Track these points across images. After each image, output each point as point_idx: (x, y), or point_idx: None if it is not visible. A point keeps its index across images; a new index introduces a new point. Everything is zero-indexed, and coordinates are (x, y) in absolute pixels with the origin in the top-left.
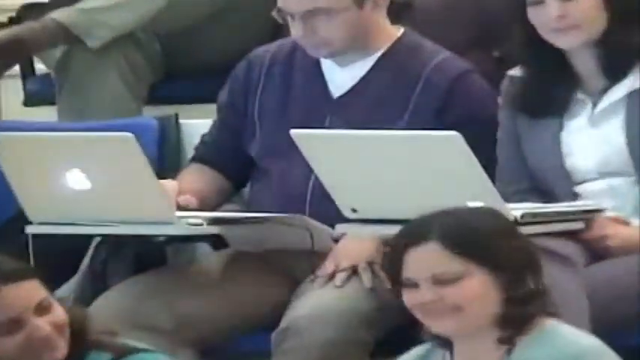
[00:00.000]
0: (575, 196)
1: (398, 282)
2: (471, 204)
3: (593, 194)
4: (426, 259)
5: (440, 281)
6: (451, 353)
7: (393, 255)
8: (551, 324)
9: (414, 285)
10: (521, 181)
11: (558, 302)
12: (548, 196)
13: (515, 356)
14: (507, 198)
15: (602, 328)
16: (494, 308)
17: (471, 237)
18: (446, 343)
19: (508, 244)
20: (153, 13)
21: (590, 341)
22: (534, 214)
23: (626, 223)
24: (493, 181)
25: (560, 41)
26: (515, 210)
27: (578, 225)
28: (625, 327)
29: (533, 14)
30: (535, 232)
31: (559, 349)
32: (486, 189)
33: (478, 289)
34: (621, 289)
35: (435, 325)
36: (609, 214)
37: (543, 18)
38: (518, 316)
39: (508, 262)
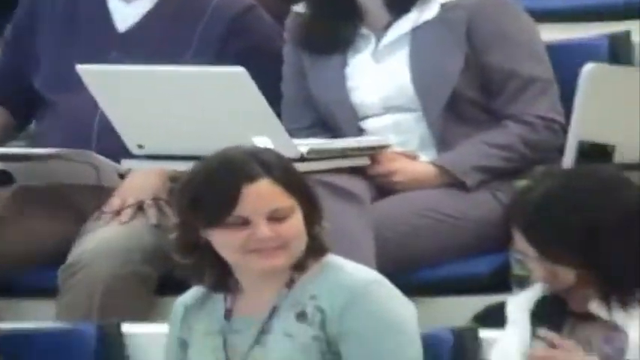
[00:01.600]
0: (360, 132)
1: (216, 221)
2: (257, 139)
3: (378, 130)
4: (262, 196)
5: (275, 218)
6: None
7: (221, 194)
8: (331, 259)
9: (246, 223)
10: (307, 117)
11: (344, 238)
12: (334, 132)
13: (297, 291)
14: (293, 133)
15: (388, 264)
16: (305, 244)
17: (290, 172)
18: (223, 287)
19: (306, 179)
20: None
21: (370, 275)
22: (320, 150)
23: (412, 159)
24: (279, 116)
25: None
26: (302, 146)
27: (365, 161)
28: (411, 263)
29: None
30: (321, 168)
31: (340, 283)
32: (272, 124)
33: (300, 225)
34: (408, 225)
35: (264, 263)
36: (395, 149)
37: None
38: (314, 251)
39: (313, 197)
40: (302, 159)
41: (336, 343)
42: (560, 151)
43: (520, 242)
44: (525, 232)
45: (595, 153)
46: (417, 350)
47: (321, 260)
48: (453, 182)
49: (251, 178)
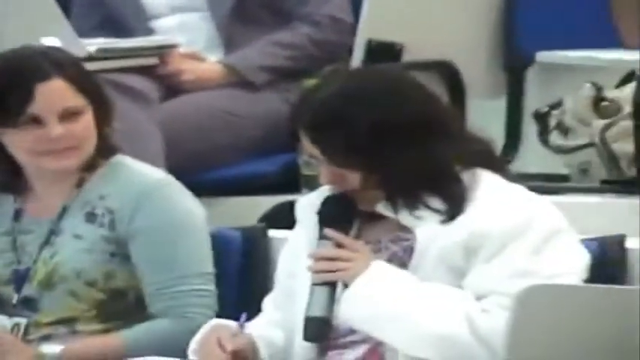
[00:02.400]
0: (150, 32)
1: (8, 121)
2: (45, 39)
3: (167, 30)
4: (55, 95)
5: (66, 117)
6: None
7: (12, 93)
8: (120, 159)
9: (38, 122)
10: (96, 16)
11: (133, 138)
12: (123, 32)
13: (87, 192)
14: (82, 33)
15: (177, 164)
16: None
17: (82, 71)
18: (12, 187)
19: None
20: None
21: (159, 175)
22: (109, 50)
23: (200, 59)
24: (68, 16)
25: None
26: (90, 45)
27: (153, 60)
28: (199, 162)
29: None
30: (110, 67)
31: (129, 183)
32: (60, 24)
33: (91, 125)
34: (196, 125)
35: (56, 164)
36: (183, 49)
37: None
38: (104, 152)
39: (105, 96)
40: (91, 58)
41: (126, 244)
42: (350, 50)
43: (306, 143)
44: (310, 133)
45: (383, 52)
46: (205, 249)
47: (111, 160)
48: (241, 82)
49: (43, 77)
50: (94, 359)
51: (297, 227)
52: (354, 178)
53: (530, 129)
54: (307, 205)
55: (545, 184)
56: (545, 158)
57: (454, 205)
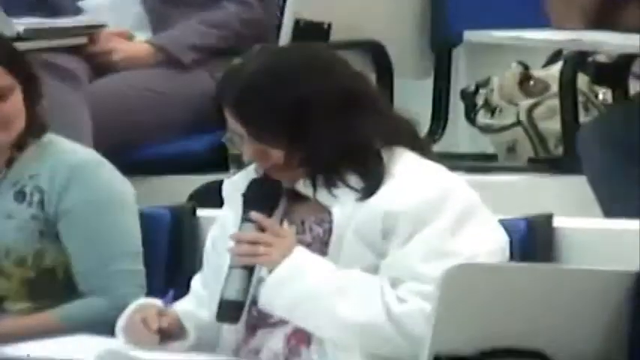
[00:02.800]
0: (79, 11)
1: None
2: None
3: (96, 9)
4: None
5: None
6: None
7: None
8: (50, 138)
9: None
10: None
11: (62, 117)
12: (52, 11)
13: (16, 171)
14: (11, 12)
15: (106, 143)
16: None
17: (11, 50)
18: None
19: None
20: None
21: (88, 154)
22: (37, 29)
23: (129, 38)
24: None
25: None
26: (19, 25)
27: (82, 40)
28: (128, 141)
29: None
30: (39, 47)
31: (59, 162)
32: None
33: (20, 104)
34: (124, 103)
35: None
36: (112, 29)
37: None
38: (33, 131)
39: (34, 76)
40: (19, 38)
41: (55, 223)
42: (278, 30)
43: (230, 120)
44: (233, 109)
45: (311, 31)
46: (134, 227)
47: (41, 140)
48: (169, 61)
49: None
50: (24, 337)
51: (225, 207)
52: (277, 155)
53: (458, 108)
54: (233, 185)
55: (473, 163)
56: (473, 137)
57: (371, 183)
